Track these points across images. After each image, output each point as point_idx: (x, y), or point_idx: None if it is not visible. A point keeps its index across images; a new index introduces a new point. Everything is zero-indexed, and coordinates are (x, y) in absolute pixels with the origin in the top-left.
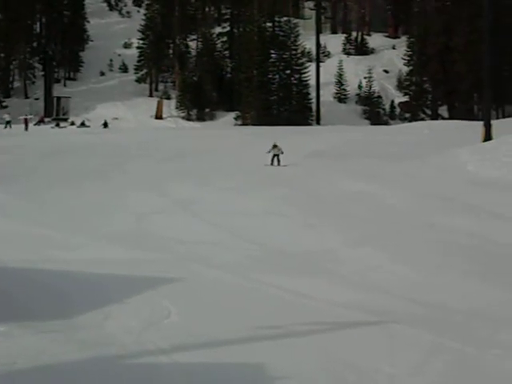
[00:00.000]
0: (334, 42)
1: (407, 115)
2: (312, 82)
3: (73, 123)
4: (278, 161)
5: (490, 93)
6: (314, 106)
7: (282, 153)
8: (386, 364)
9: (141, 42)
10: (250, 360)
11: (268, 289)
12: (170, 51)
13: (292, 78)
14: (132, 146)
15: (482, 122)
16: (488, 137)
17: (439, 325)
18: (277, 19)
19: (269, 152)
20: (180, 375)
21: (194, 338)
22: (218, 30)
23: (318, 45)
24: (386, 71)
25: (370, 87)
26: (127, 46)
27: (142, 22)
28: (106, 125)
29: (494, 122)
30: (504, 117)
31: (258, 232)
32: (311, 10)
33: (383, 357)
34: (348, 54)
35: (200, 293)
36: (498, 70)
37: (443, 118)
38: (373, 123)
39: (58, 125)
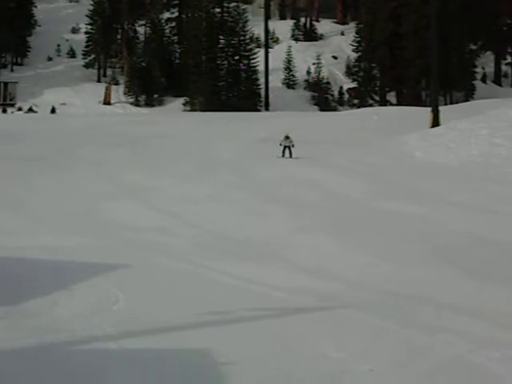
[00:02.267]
0: (282, 28)
1: (356, 101)
2: (261, 67)
3: (20, 109)
4: (290, 153)
5: (438, 79)
6: (262, 92)
7: (293, 145)
8: (332, 349)
9: (89, 27)
10: (196, 346)
11: (216, 275)
12: (119, 36)
13: (241, 64)
14: (80, 131)
15: (429, 108)
16: (436, 123)
17: (387, 310)
18: (225, 5)
19: (280, 144)
20: (128, 361)
21: (142, 323)
22: (166, 15)
23: (267, 31)
24: (335, 57)
25: (319, 73)
26: (75, 31)
27: (90, 7)
28: (53, 110)
29: (441, 108)
30: (452, 103)
31: (206, 218)
32: None
33: (330, 341)
34: (297, 39)
35: (148, 279)
36: (446, 56)
37: (391, 104)
38: (321, 109)
39: (4, 110)
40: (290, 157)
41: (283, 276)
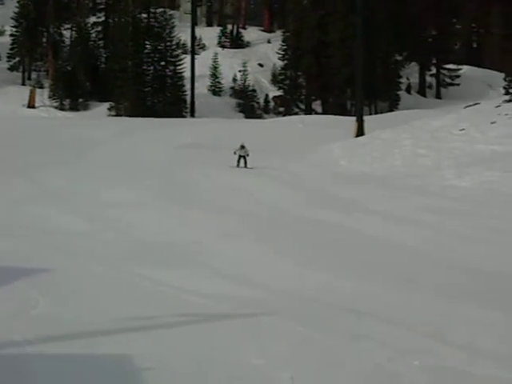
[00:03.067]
0: (209, 35)
1: (281, 109)
2: (187, 74)
3: None
4: (245, 162)
5: (363, 89)
6: (188, 98)
7: (248, 155)
8: (254, 356)
9: (14, 29)
10: (116, 351)
11: (138, 280)
12: (44, 40)
13: (167, 70)
14: (2, 134)
15: (354, 118)
16: (360, 132)
17: (310, 318)
18: (152, 10)
19: (235, 153)
20: (46, 366)
21: (62, 329)
22: (92, 19)
23: (193, 37)
24: (261, 65)
25: (245, 81)
26: (0, 33)
27: (16, 10)
28: None
29: (366, 118)
30: (376, 113)
31: (130, 223)
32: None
33: (252, 349)
34: (223, 46)
35: (70, 284)
36: (371, 66)
37: (317, 113)
38: (247, 117)
39: None
40: (245, 166)
41: (207, 282)
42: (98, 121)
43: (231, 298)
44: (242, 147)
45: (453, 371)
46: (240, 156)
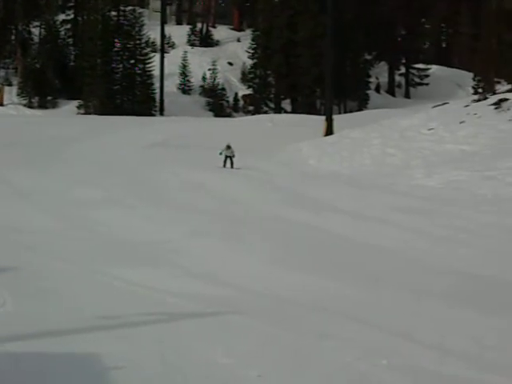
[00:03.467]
0: (178, 33)
1: (251, 108)
2: (156, 72)
3: None
4: (231, 163)
5: (332, 88)
6: (157, 97)
7: (234, 155)
8: (221, 354)
9: None
10: (84, 350)
11: (107, 279)
12: (13, 37)
13: (136, 68)
14: None
15: (324, 117)
16: (329, 131)
17: (278, 317)
18: (121, 8)
19: (221, 153)
20: (11, 364)
21: (29, 327)
22: (62, 17)
23: (163, 35)
24: (231, 64)
25: (214, 79)
26: None
27: None
28: None
29: (335, 117)
30: (345, 112)
31: (98, 222)
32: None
33: (220, 347)
34: (193, 45)
35: (39, 282)
36: (341, 65)
37: (286, 112)
38: (216, 115)
39: None
40: (232, 167)
41: (175, 281)
42: (66, 119)
43: (199, 297)
44: (228, 147)
45: (422, 371)
46: (226, 156)
